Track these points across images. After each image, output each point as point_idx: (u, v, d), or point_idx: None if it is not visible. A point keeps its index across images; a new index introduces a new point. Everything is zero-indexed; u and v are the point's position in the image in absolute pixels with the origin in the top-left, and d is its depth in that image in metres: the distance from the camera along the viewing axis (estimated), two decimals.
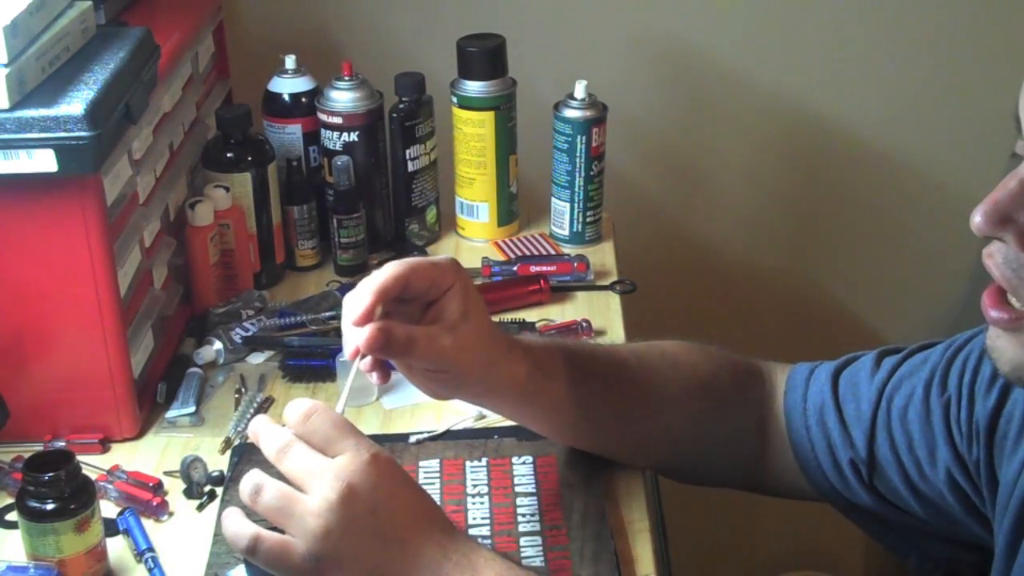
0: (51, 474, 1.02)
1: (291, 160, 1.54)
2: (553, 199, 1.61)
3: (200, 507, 1.16)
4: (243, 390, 1.32)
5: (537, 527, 1.10)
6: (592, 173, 1.58)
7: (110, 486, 1.16)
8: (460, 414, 1.25)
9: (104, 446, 1.23)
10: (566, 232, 1.61)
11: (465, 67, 1.57)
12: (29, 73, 1.12)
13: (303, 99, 1.56)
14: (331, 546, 0.87)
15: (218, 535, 1.09)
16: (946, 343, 1.05)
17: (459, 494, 1.15)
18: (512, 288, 1.48)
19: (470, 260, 1.56)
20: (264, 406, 1.30)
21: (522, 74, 1.60)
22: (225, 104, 1.61)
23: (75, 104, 1.10)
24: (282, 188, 1.53)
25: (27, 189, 1.12)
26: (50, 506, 1.02)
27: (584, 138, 1.56)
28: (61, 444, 1.21)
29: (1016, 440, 0.94)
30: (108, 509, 1.13)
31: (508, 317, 1.43)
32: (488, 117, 1.57)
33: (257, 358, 1.38)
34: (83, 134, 1.09)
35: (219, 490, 1.17)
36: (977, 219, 0.78)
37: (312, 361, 1.35)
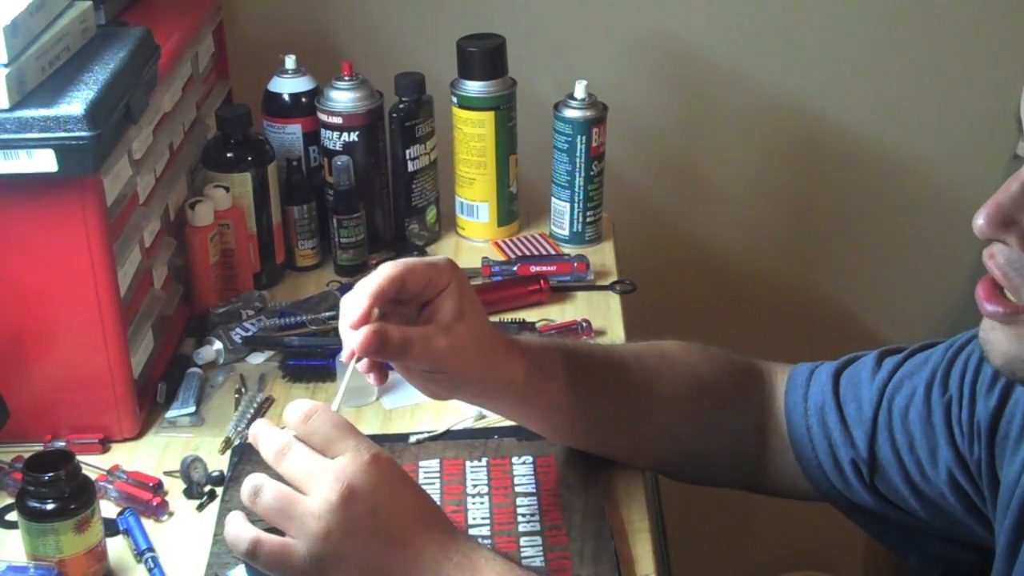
0: (51, 474, 1.02)
1: (291, 160, 1.54)
2: (553, 199, 1.61)
3: (200, 507, 1.16)
4: (243, 390, 1.32)
5: (537, 527, 1.10)
6: (592, 173, 1.58)
7: (110, 486, 1.16)
8: (460, 414, 1.25)
9: (104, 446, 1.23)
10: (566, 232, 1.61)
11: (465, 67, 1.57)
12: (29, 73, 1.12)
13: (303, 99, 1.56)
14: (332, 547, 0.87)
15: (218, 535, 1.09)
16: (947, 343, 1.05)
17: (459, 494, 1.15)
18: (512, 288, 1.48)
19: (470, 260, 1.56)
20: (264, 406, 1.30)
21: (522, 74, 1.60)
22: (225, 104, 1.61)
23: (75, 104, 1.10)
24: (282, 188, 1.53)
25: (27, 189, 1.12)
26: (50, 506, 1.02)
27: (584, 138, 1.56)
28: (61, 444, 1.21)
29: (1017, 440, 0.94)
30: (108, 509, 1.13)
31: (508, 317, 1.43)
32: (488, 117, 1.57)
33: (257, 358, 1.38)
34: (83, 134, 1.09)
35: (219, 490, 1.17)
36: (979, 221, 0.78)
37: (312, 361, 1.35)
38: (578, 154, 1.56)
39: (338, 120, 1.53)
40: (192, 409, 1.28)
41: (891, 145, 1.88)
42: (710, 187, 1.92)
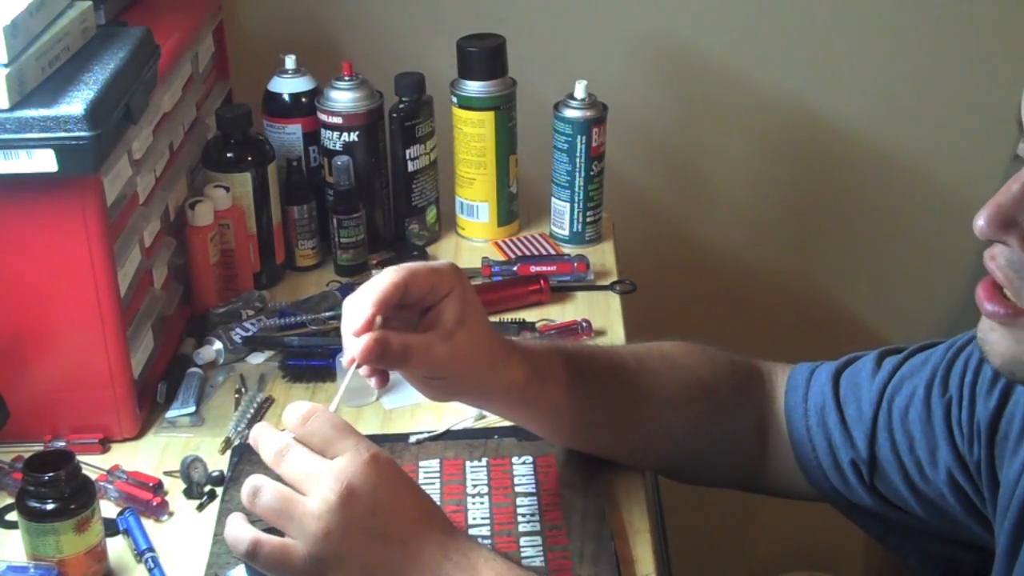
0: (51, 474, 1.02)
1: (291, 160, 1.54)
2: (553, 199, 1.61)
3: (200, 507, 1.16)
4: (243, 390, 1.32)
5: (537, 527, 1.10)
6: (592, 173, 1.58)
7: (110, 486, 1.16)
8: (460, 414, 1.25)
9: (104, 446, 1.23)
10: (566, 232, 1.61)
11: (465, 67, 1.56)
12: (29, 73, 1.12)
13: (303, 99, 1.56)
14: (331, 547, 0.87)
15: (218, 535, 1.09)
16: (947, 343, 1.05)
17: (459, 494, 1.15)
18: (512, 288, 1.48)
19: (470, 260, 1.56)
20: (264, 406, 1.30)
21: (522, 74, 1.60)
22: (225, 104, 1.61)
23: (75, 104, 1.10)
24: (282, 188, 1.53)
25: (27, 189, 1.12)
26: (50, 506, 1.02)
27: (584, 138, 1.56)
28: (61, 444, 1.21)
29: (1017, 441, 0.94)
30: (108, 509, 1.13)
31: (508, 317, 1.43)
32: (488, 117, 1.57)
33: (257, 358, 1.38)
34: (83, 134, 1.09)
35: (219, 490, 1.17)
36: (980, 223, 0.78)
37: (312, 361, 1.35)
38: (578, 154, 1.56)
39: (338, 120, 1.53)
40: (192, 409, 1.28)
41: (891, 145, 1.87)
42: (710, 187, 1.92)
